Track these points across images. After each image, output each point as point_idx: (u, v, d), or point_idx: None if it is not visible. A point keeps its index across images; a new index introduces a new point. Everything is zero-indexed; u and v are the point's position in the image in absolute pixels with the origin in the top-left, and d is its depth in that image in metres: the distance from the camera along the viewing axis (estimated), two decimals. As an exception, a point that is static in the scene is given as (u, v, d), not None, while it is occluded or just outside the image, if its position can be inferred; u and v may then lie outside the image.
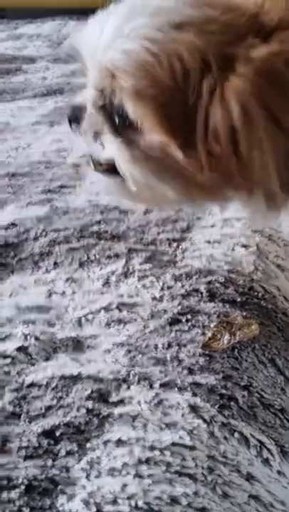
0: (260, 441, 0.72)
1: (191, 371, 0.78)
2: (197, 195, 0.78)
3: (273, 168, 0.70)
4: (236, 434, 0.72)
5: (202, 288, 0.91)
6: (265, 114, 0.68)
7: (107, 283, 0.95)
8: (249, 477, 0.68)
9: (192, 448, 0.68)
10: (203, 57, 0.70)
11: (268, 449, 0.72)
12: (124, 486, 0.64)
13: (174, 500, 0.63)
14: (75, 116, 0.82)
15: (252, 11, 0.75)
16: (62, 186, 1.26)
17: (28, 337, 0.83)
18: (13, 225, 1.09)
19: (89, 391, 0.75)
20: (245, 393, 0.77)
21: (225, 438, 0.71)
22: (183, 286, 0.92)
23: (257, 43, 0.71)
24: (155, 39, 0.71)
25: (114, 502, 0.62)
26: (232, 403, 0.75)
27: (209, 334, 0.82)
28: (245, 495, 0.67)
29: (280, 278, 0.97)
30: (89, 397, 0.74)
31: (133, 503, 0.62)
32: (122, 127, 0.76)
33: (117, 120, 0.77)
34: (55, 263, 1.00)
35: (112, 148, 0.78)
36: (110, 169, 0.81)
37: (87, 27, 0.78)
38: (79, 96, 0.82)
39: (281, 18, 0.74)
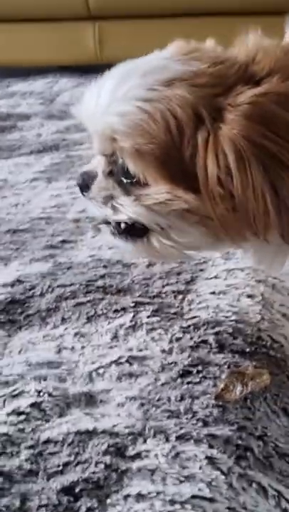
0: (278, 491, 0.73)
1: (205, 423, 0.78)
2: (221, 236, 0.79)
3: (272, 209, 0.71)
4: (254, 485, 0.72)
5: (211, 339, 0.92)
6: (261, 155, 0.70)
7: (115, 337, 0.96)
8: (270, 528, 0.68)
9: (212, 500, 0.69)
10: (195, 111, 0.73)
11: (286, 499, 0.72)
12: None
13: None
14: (85, 184, 0.84)
15: (242, 62, 0.77)
16: (64, 241, 1.28)
17: (41, 393, 0.84)
18: (19, 281, 1.11)
19: (106, 446, 0.75)
20: (261, 443, 0.77)
21: (243, 489, 0.71)
22: (192, 338, 0.93)
23: (245, 90, 0.73)
24: (148, 98, 0.74)
25: None
26: (248, 453, 0.76)
27: (222, 385, 0.83)
28: None
29: (286, 327, 0.98)
30: (106, 452, 0.75)
31: None
32: (130, 185, 0.78)
33: (124, 180, 0.79)
34: (63, 318, 1.01)
35: (129, 208, 0.79)
36: (129, 234, 0.82)
37: (85, 95, 0.81)
38: (88, 164, 0.85)
39: (272, 67, 0.76)
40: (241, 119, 0.71)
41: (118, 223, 0.82)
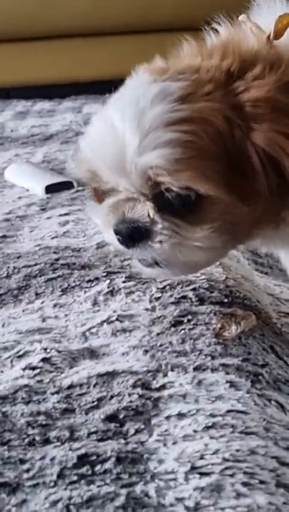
0: (294, 408, 0.78)
1: (213, 357, 0.83)
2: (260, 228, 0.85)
3: None
4: (273, 402, 0.78)
5: (190, 294, 0.98)
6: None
7: (96, 303, 0.99)
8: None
9: (246, 413, 0.74)
10: (224, 116, 0.78)
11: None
12: (206, 444, 0.68)
13: (253, 452, 0.67)
14: (138, 232, 0.82)
15: (209, 64, 0.83)
16: (4, 236, 1.29)
17: (48, 350, 0.85)
18: (-20, 268, 1.11)
19: (131, 382, 0.78)
20: (267, 370, 0.83)
21: (265, 405, 0.77)
22: (171, 295, 0.98)
23: (242, 85, 0.80)
24: (180, 119, 0.76)
25: (202, 458, 0.66)
26: (260, 377, 0.81)
27: (219, 325, 0.88)
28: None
29: (246, 284, 1.06)
30: (134, 386, 0.78)
31: (220, 457, 0.66)
32: (189, 213, 0.80)
33: (182, 210, 0.80)
34: (37, 293, 1.03)
35: (197, 234, 0.80)
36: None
37: (92, 129, 0.83)
38: (126, 211, 0.82)
39: (242, 59, 0.83)
40: (265, 117, 0.77)
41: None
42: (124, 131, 0.77)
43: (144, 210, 0.81)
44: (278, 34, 0.86)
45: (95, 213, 0.89)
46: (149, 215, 0.81)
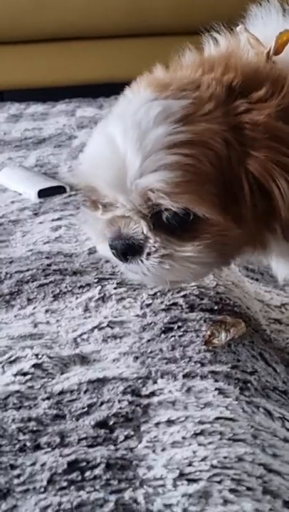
0: (281, 414, 0.80)
1: (202, 364, 0.84)
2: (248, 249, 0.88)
3: None
4: (261, 409, 0.79)
5: (180, 301, 0.99)
6: (282, 171, 0.78)
7: (87, 309, 1.00)
8: (286, 440, 0.75)
9: (234, 420, 0.75)
10: (223, 138, 0.79)
11: (289, 420, 0.80)
12: (194, 451, 0.69)
13: (240, 459, 0.68)
14: (131, 248, 0.84)
15: (210, 78, 0.84)
16: (-4, 241, 1.29)
17: (39, 355, 0.86)
18: (-27, 272, 1.12)
19: (121, 388, 0.79)
20: (255, 377, 0.84)
21: (253, 412, 0.78)
22: (162, 302, 0.99)
23: (244, 104, 0.80)
24: (181, 142, 0.77)
25: (191, 465, 0.67)
26: (248, 385, 0.82)
27: (208, 332, 0.89)
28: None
29: (236, 291, 1.07)
30: (124, 393, 0.78)
31: (208, 463, 0.67)
32: (184, 232, 0.82)
33: (178, 230, 0.82)
34: (29, 299, 1.04)
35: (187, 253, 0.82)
36: None
37: (93, 144, 0.83)
38: (122, 227, 0.83)
39: (243, 75, 0.83)
40: (261, 142, 0.78)
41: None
42: (125, 151, 0.78)
43: (139, 227, 0.83)
44: (278, 50, 0.86)
45: (89, 225, 0.89)
46: (143, 232, 0.82)
